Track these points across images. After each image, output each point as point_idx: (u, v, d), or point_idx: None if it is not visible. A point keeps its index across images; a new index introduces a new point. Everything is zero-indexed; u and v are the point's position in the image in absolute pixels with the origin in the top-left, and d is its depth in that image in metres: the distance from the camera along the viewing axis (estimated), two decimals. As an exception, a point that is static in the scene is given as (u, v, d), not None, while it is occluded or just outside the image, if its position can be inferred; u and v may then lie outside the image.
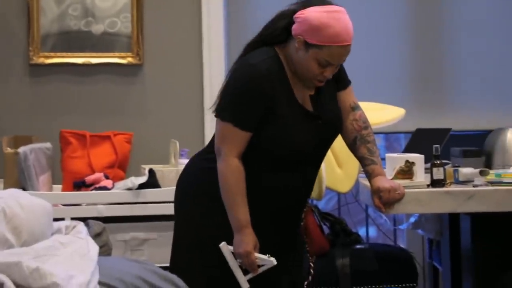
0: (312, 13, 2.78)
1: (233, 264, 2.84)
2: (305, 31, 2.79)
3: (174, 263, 3.03)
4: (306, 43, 2.79)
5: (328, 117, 2.94)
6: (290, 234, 3.00)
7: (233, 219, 2.84)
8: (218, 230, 2.89)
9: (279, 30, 2.86)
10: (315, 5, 2.81)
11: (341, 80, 3.03)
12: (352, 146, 3.06)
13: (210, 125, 4.34)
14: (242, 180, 2.84)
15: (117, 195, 3.81)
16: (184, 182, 3.04)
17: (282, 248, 2.95)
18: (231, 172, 2.83)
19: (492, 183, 3.19)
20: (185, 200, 3.01)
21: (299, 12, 2.81)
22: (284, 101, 2.85)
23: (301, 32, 2.80)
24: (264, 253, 2.84)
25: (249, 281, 2.85)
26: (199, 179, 2.98)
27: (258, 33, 2.93)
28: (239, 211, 2.83)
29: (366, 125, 3.05)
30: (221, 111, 2.85)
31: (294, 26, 2.82)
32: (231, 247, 2.84)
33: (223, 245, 2.83)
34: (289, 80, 2.87)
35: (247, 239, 2.83)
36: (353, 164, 3.79)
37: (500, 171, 3.31)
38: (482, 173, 3.25)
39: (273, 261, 2.83)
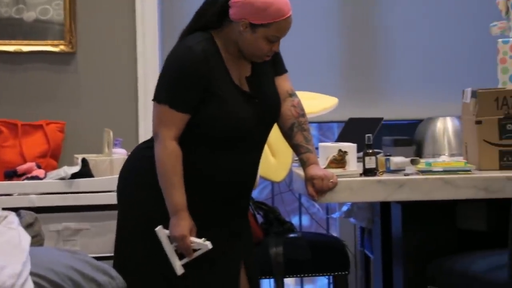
0: None
1: (169, 249, 2.85)
2: (248, 14, 2.83)
3: (119, 252, 3.01)
4: (252, 25, 2.85)
5: (264, 98, 2.98)
6: (239, 217, 3.03)
7: (169, 202, 2.86)
8: (161, 219, 2.89)
9: (213, 16, 2.89)
10: None
11: (278, 66, 3.07)
12: (289, 133, 3.09)
13: (144, 114, 4.32)
14: (179, 163, 2.85)
15: (50, 185, 3.77)
16: (127, 171, 3.05)
17: (233, 233, 2.98)
18: (167, 155, 2.84)
19: (422, 172, 3.24)
20: (128, 189, 3.01)
21: None
22: (221, 81, 2.88)
23: (244, 16, 2.84)
24: (214, 238, 2.85)
25: (186, 266, 2.86)
26: (141, 168, 2.98)
27: (191, 20, 2.96)
28: (175, 194, 2.85)
29: (303, 112, 3.09)
30: (158, 94, 2.87)
31: (233, 11, 2.85)
32: (167, 231, 2.84)
33: (159, 229, 2.84)
34: (224, 62, 2.91)
35: (183, 222, 2.84)
36: (287, 153, 3.81)
37: (430, 160, 3.37)
38: (412, 162, 3.30)
39: (208, 245, 2.84)
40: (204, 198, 2.92)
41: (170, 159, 2.85)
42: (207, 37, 2.89)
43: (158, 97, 2.87)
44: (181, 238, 2.84)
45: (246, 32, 2.86)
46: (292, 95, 3.09)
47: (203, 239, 2.85)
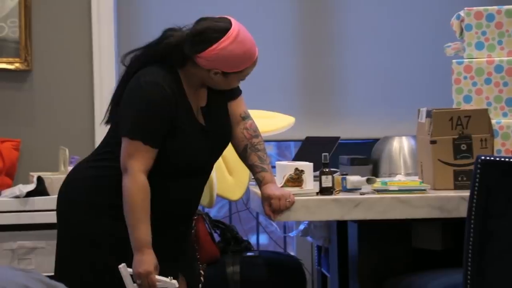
0: (222, 51, 2.82)
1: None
2: (221, 66, 2.85)
3: (60, 271, 2.99)
4: (224, 73, 2.87)
5: (217, 129, 2.98)
6: (182, 239, 3.02)
7: (134, 238, 2.81)
8: (100, 240, 2.87)
9: (177, 55, 2.87)
10: (213, 31, 2.83)
11: (231, 91, 3.05)
12: (243, 154, 3.10)
13: (100, 132, 4.29)
14: (148, 198, 2.83)
15: (4, 203, 3.74)
16: (70, 190, 3.01)
17: (175, 252, 2.97)
18: (137, 189, 2.81)
19: (378, 191, 3.26)
20: (71, 208, 2.97)
21: (207, 50, 2.82)
22: (183, 116, 2.88)
23: (215, 66, 2.85)
24: (161, 263, 2.82)
25: None
26: (86, 187, 2.95)
27: (147, 48, 2.92)
28: (141, 229, 2.81)
29: (256, 133, 3.09)
30: (129, 130, 2.84)
31: (203, 62, 2.84)
32: (130, 270, 2.79)
33: (122, 266, 2.77)
34: (186, 95, 2.90)
35: (148, 258, 2.80)
36: (244, 171, 3.82)
37: (386, 179, 3.38)
38: (368, 181, 3.31)
39: (175, 283, 2.79)
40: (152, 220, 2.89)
41: (139, 194, 2.81)
42: (171, 71, 2.88)
43: (130, 133, 2.83)
44: (146, 275, 2.79)
45: (217, 77, 2.88)
46: (245, 118, 3.10)
47: (169, 277, 2.80)
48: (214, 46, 2.82)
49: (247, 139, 3.08)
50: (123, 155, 2.84)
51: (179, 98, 2.87)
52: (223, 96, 3.03)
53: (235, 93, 3.08)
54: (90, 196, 2.93)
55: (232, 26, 2.84)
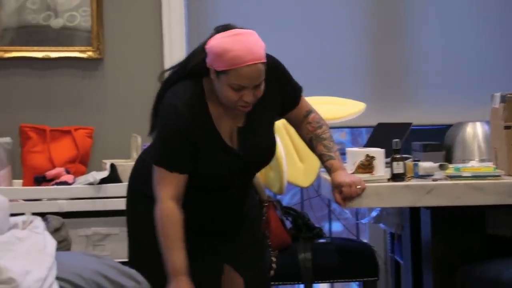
0: (215, 41, 2.78)
1: None
2: (212, 60, 2.79)
3: (131, 261, 3.04)
4: (216, 72, 2.79)
5: (249, 153, 2.94)
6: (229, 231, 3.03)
7: (168, 265, 2.81)
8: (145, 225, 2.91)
9: (201, 63, 2.84)
10: (222, 31, 2.80)
11: (289, 100, 3.03)
12: (310, 146, 3.11)
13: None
14: (178, 225, 2.81)
15: (78, 190, 3.79)
16: (129, 179, 3.09)
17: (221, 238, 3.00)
18: (164, 216, 2.81)
19: (451, 177, 3.22)
20: (128, 196, 3.06)
21: (207, 43, 2.81)
22: (207, 138, 2.86)
23: (210, 62, 2.80)
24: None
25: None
26: (138, 177, 3.02)
27: (181, 63, 2.91)
28: (173, 257, 2.80)
29: (320, 124, 3.08)
30: (154, 156, 2.86)
31: (207, 58, 2.82)
32: None
33: None
34: (211, 115, 2.87)
35: (181, 286, 2.78)
36: (315, 158, 3.77)
37: (460, 165, 3.34)
38: (441, 167, 3.27)
39: None
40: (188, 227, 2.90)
41: (167, 222, 2.80)
42: (196, 91, 2.84)
43: (155, 159, 2.85)
44: None
45: (214, 79, 2.81)
46: (307, 114, 3.08)
47: None
48: (213, 37, 2.79)
49: (311, 132, 3.08)
50: (153, 182, 2.85)
51: (202, 119, 2.84)
52: (270, 111, 2.97)
53: (293, 102, 3.05)
54: (135, 185, 3.00)
55: (242, 29, 2.79)
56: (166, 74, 2.96)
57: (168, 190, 2.81)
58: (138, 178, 3.04)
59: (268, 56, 2.87)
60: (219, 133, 2.89)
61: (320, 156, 3.09)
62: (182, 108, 2.81)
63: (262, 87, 2.82)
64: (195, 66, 2.84)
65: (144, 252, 3.00)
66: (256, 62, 2.75)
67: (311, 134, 3.07)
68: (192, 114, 2.81)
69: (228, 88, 2.78)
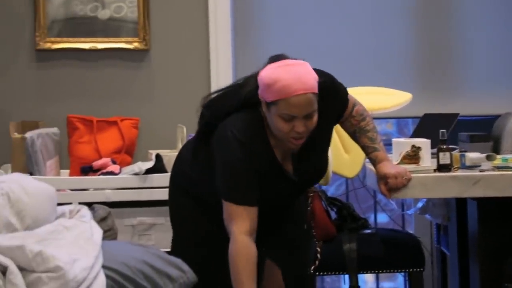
0: (265, 72, 2.75)
1: None
2: (263, 91, 2.76)
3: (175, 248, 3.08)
4: (267, 103, 2.76)
5: (304, 177, 2.94)
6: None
7: None
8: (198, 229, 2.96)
9: (256, 93, 2.80)
10: (274, 61, 2.78)
11: (341, 114, 3.02)
12: (353, 138, 3.11)
13: (217, 110, 4.34)
14: (250, 261, 2.76)
15: (124, 180, 3.81)
16: (172, 171, 3.10)
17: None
18: (236, 251, 2.77)
19: (498, 168, 3.18)
20: (170, 186, 3.09)
21: (259, 73, 2.78)
22: (268, 167, 2.85)
23: (261, 93, 2.77)
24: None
25: None
26: (177, 171, 3.05)
27: (232, 89, 2.89)
28: None
29: (363, 116, 3.07)
30: (222, 191, 2.82)
31: (259, 89, 2.80)
32: None
33: None
34: (270, 143, 2.84)
35: None
36: (360, 149, 3.78)
37: (507, 156, 3.30)
38: (488, 158, 3.24)
39: None
40: None
41: (239, 258, 2.76)
42: (255, 118, 2.81)
43: (223, 195, 2.81)
44: None
45: (266, 111, 2.78)
46: (351, 110, 3.05)
47: None
48: (265, 67, 2.77)
49: (355, 125, 3.07)
50: (224, 218, 2.82)
51: (264, 152, 2.83)
52: (322, 136, 2.94)
53: (345, 110, 3.02)
54: (177, 179, 3.03)
55: (294, 60, 2.76)
56: (213, 96, 2.93)
57: (240, 224, 2.76)
58: (179, 173, 3.05)
59: (322, 79, 2.83)
60: (279, 162, 2.88)
61: (364, 148, 3.09)
62: (245, 140, 2.78)
63: (315, 118, 2.77)
64: (249, 94, 2.80)
65: (184, 244, 3.02)
66: (306, 92, 2.71)
67: (355, 127, 3.07)
68: (254, 146, 2.80)
69: (278, 119, 2.74)
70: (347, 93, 3.02)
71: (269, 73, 2.74)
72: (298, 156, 2.91)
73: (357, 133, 3.07)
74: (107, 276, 2.06)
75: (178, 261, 2.40)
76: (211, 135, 2.86)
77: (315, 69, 2.85)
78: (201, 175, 2.94)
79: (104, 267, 2.10)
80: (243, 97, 2.82)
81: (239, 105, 2.84)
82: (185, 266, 2.35)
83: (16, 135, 3.84)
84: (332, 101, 2.93)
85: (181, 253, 2.91)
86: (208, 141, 2.88)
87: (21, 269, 1.90)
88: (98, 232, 2.21)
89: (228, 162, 2.79)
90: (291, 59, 2.80)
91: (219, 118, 2.85)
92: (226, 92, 2.91)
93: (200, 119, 2.94)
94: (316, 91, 2.75)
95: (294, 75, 2.71)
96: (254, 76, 2.82)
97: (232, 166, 2.78)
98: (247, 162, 2.78)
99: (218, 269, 2.86)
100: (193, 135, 4.09)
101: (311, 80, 2.74)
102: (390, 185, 3.07)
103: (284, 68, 2.73)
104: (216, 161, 2.83)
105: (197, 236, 2.99)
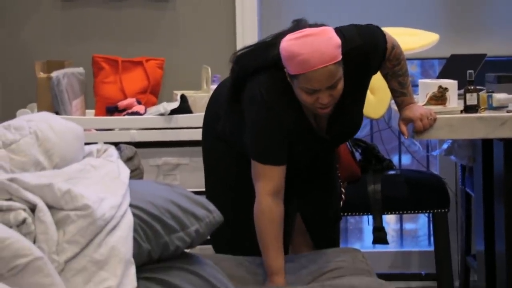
0: (284, 44, 2.69)
1: None
2: (284, 62, 2.71)
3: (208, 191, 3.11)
4: (289, 74, 2.72)
5: (337, 136, 2.94)
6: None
7: (265, 263, 2.79)
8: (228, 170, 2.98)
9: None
10: (293, 31, 2.71)
11: (378, 65, 2.97)
12: (385, 79, 3.08)
13: (242, 51, 4.32)
14: (276, 222, 2.77)
15: (149, 120, 3.82)
16: (205, 112, 3.11)
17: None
18: (260, 212, 2.77)
19: (526, 108, 3.16)
20: (203, 129, 3.10)
21: (281, 42, 2.72)
22: (298, 127, 2.83)
23: (284, 63, 2.72)
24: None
25: None
26: (209, 113, 3.07)
27: (258, 48, 2.85)
28: (269, 256, 2.77)
29: (398, 61, 3.01)
30: (249, 150, 2.81)
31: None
32: None
33: None
34: (301, 106, 2.81)
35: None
36: (386, 90, 3.74)
37: (535, 96, 3.28)
38: (516, 99, 3.22)
39: None
40: None
41: (263, 219, 2.77)
42: (284, 79, 2.76)
43: (251, 153, 2.81)
44: None
45: (290, 80, 2.74)
46: (389, 53, 2.97)
47: None
48: (285, 37, 2.71)
49: (389, 68, 3.02)
50: (252, 176, 2.82)
51: (294, 112, 2.81)
52: (356, 95, 2.90)
53: (383, 60, 2.96)
54: (209, 121, 3.05)
55: (312, 29, 2.69)
56: (239, 54, 2.90)
57: (266, 185, 2.76)
58: (213, 115, 3.05)
59: (358, 41, 2.80)
60: (310, 123, 2.86)
61: (392, 91, 3.08)
62: (274, 101, 2.76)
63: (340, 86, 2.72)
64: (276, 57, 2.75)
65: (217, 186, 3.04)
66: (325, 65, 2.64)
67: (388, 70, 3.03)
68: (284, 107, 2.78)
69: (301, 92, 2.71)
70: (385, 43, 2.94)
71: (288, 46, 2.67)
72: (333, 116, 2.89)
73: (389, 76, 3.05)
74: (134, 215, 2.07)
75: (204, 200, 2.40)
76: (243, 90, 2.85)
77: (353, 28, 2.82)
78: (232, 125, 2.94)
79: (131, 205, 2.11)
80: (271, 59, 2.78)
81: (267, 65, 2.80)
82: (211, 206, 2.35)
83: (42, 74, 3.85)
84: (370, 60, 2.88)
85: (212, 194, 2.94)
86: (240, 97, 2.86)
87: (50, 207, 1.91)
88: (125, 171, 2.21)
89: (255, 122, 2.79)
90: (312, 25, 2.74)
91: (248, 73, 2.82)
92: (255, 49, 2.87)
93: (231, 73, 2.91)
94: (338, 59, 2.68)
95: (312, 47, 2.63)
96: (279, 38, 2.77)
97: (260, 126, 2.78)
98: (275, 122, 2.76)
99: (246, 214, 2.87)
100: (218, 76, 4.11)
101: (331, 50, 2.65)
102: (417, 129, 3.06)
103: (303, 40, 2.65)
104: (246, 118, 2.82)
105: (228, 179, 3.00)
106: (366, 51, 2.85)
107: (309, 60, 2.63)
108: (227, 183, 3.02)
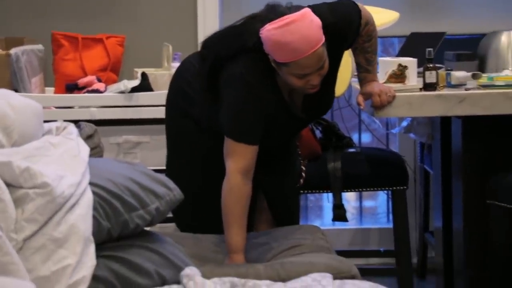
0: (267, 33, 2.68)
1: None
2: (269, 51, 2.71)
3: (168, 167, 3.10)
4: (276, 62, 2.73)
5: (312, 115, 2.98)
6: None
7: (226, 240, 2.80)
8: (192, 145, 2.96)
9: (260, 44, 2.74)
10: (271, 18, 2.69)
11: (352, 42, 2.98)
12: (353, 52, 3.10)
13: (203, 28, 4.31)
14: (243, 200, 2.77)
15: (110, 98, 3.80)
16: (169, 90, 3.09)
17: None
18: (228, 190, 2.77)
19: (484, 86, 3.19)
20: (167, 106, 3.08)
21: (261, 31, 2.71)
22: (276, 108, 2.83)
23: (268, 51, 2.72)
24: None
25: None
26: (174, 91, 3.05)
27: (233, 33, 2.84)
28: (231, 234, 2.77)
29: (369, 38, 3.02)
30: (225, 127, 2.81)
31: (263, 45, 2.74)
32: None
33: None
34: (280, 88, 2.83)
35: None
36: (346, 68, 3.77)
37: (493, 74, 3.31)
38: (474, 77, 3.25)
39: None
40: None
41: (230, 196, 2.77)
42: (264, 62, 2.76)
43: (225, 130, 2.80)
44: None
45: (275, 66, 2.75)
46: (362, 29, 2.98)
47: None
48: (265, 26, 2.70)
49: (359, 43, 3.03)
50: (224, 152, 2.81)
51: (273, 93, 2.82)
52: (330, 73, 2.89)
53: (357, 36, 2.97)
54: (173, 98, 3.05)
55: (293, 14, 2.68)
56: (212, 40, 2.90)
57: (237, 163, 2.76)
58: (179, 92, 3.04)
59: (333, 18, 2.81)
60: (287, 103, 2.87)
61: (357, 65, 3.10)
62: (254, 81, 2.76)
63: (327, 64, 2.75)
64: (257, 44, 2.74)
65: (182, 163, 3.03)
66: (314, 49, 2.67)
67: (358, 45, 3.04)
68: (263, 87, 2.78)
69: (292, 77, 2.73)
70: (360, 18, 2.95)
71: (272, 35, 2.67)
72: (307, 98, 2.91)
73: (357, 50, 3.06)
74: (94, 193, 2.06)
75: (165, 178, 2.40)
76: (219, 76, 2.84)
77: (325, 6, 2.84)
78: (203, 100, 2.93)
79: (91, 184, 2.10)
80: (252, 46, 2.76)
81: (245, 49, 2.79)
82: (171, 184, 2.35)
83: (1, 51, 3.81)
84: (344, 36, 2.90)
85: (176, 171, 2.94)
86: (216, 83, 2.85)
87: (8, 184, 1.90)
88: (85, 149, 2.20)
89: (234, 100, 2.78)
90: (288, 8, 2.74)
91: (223, 59, 2.82)
92: (228, 36, 2.86)
93: (201, 60, 2.90)
94: (323, 40, 2.71)
95: (298, 34, 2.64)
96: (253, 24, 2.76)
97: (238, 104, 2.78)
98: (253, 101, 2.77)
99: (212, 192, 2.87)
100: (179, 54, 4.09)
101: (316, 32, 2.68)
102: (374, 104, 3.08)
103: (287, 28, 2.65)
104: (223, 96, 2.81)
105: (195, 156, 3.00)
106: (340, 27, 2.87)
107: (298, 48, 2.65)
108: (193, 161, 3.02)
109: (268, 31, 2.68)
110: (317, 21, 2.70)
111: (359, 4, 2.98)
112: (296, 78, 2.73)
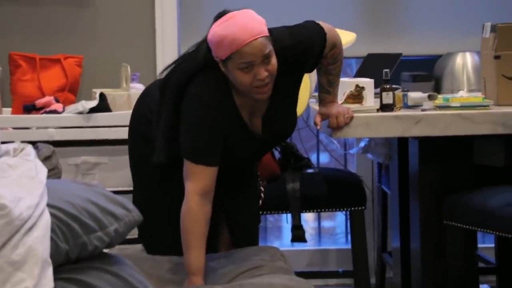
0: (212, 32, 2.73)
1: None
2: (215, 52, 2.74)
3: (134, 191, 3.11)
4: (222, 61, 2.74)
5: (273, 136, 2.95)
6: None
7: (185, 262, 2.78)
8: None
9: (211, 55, 2.78)
10: (217, 17, 2.75)
11: (315, 64, 2.99)
12: (317, 72, 3.09)
13: (162, 49, 4.31)
14: (199, 222, 2.75)
15: (68, 119, 3.78)
16: (132, 113, 3.11)
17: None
18: (187, 211, 2.76)
19: (440, 107, 3.23)
20: (130, 129, 3.10)
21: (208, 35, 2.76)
22: (233, 127, 2.84)
23: (215, 54, 2.75)
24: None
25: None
26: (137, 115, 3.07)
27: (188, 56, 2.85)
28: (191, 256, 2.75)
29: (335, 61, 3.04)
30: (184, 151, 2.80)
31: (212, 51, 2.77)
32: None
33: None
34: (236, 105, 2.83)
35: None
36: (305, 89, 3.79)
37: (448, 95, 3.35)
38: (430, 98, 3.29)
39: None
40: None
41: (188, 218, 2.76)
42: (219, 78, 2.78)
43: (184, 152, 2.79)
44: None
45: (225, 71, 2.76)
46: (328, 52, 3.00)
47: None
48: (210, 29, 2.75)
49: (323, 65, 3.04)
50: (183, 175, 2.81)
51: (229, 111, 2.82)
52: (288, 94, 2.91)
53: (320, 58, 2.98)
54: (135, 122, 3.07)
55: (232, 12, 2.73)
56: (169, 70, 2.88)
57: (196, 185, 2.75)
58: (138, 118, 3.05)
59: (292, 41, 2.82)
60: (245, 122, 2.87)
61: (319, 85, 3.11)
62: (210, 100, 2.77)
63: (274, 61, 2.75)
64: (206, 58, 2.77)
65: (141, 186, 3.03)
66: (255, 37, 2.68)
67: (322, 66, 3.06)
68: (219, 106, 2.78)
69: (238, 72, 2.72)
70: (324, 41, 2.96)
71: (215, 32, 2.71)
72: (267, 115, 2.91)
73: (321, 70, 3.07)
74: (52, 215, 2.05)
75: (124, 200, 2.40)
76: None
77: (285, 29, 2.85)
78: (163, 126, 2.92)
79: (49, 205, 2.09)
80: (202, 62, 2.78)
81: (200, 69, 2.80)
82: (130, 205, 2.34)
83: (-43, 72, 3.79)
84: (304, 58, 2.90)
85: (138, 194, 2.95)
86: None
87: (-35, 207, 1.88)
88: (42, 171, 2.19)
89: (191, 120, 2.78)
90: (234, 11, 2.76)
91: (184, 87, 2.82)
92: (180, 63, 2.86)
93: (160, 98, 2.88)
94: (266, 34, 2.73)
95: (238, 26, 2.68)
96: (205, 40, 2.79)
97: (195, 125, 2.78)
98: (210, 121, 2.77)
99: (173, 214, 2.85)
100: (137, 74, 4.09)
101: (257, 24, 2.72)
102: (331, 125, 3.11)
103: (228, 22, 2.70)
104: (182, 118, 2.82)
105: (157, 179, 2.99)
106: (298, 49, 2.87)
107: (238, 37, 2.67)
108: (155, 183, 3.01)
109: (212, 30, 2.73)
110: (260, 18, 2.75)
111: (327, 27, 3.00)
112: (242, 73, 2.71)
